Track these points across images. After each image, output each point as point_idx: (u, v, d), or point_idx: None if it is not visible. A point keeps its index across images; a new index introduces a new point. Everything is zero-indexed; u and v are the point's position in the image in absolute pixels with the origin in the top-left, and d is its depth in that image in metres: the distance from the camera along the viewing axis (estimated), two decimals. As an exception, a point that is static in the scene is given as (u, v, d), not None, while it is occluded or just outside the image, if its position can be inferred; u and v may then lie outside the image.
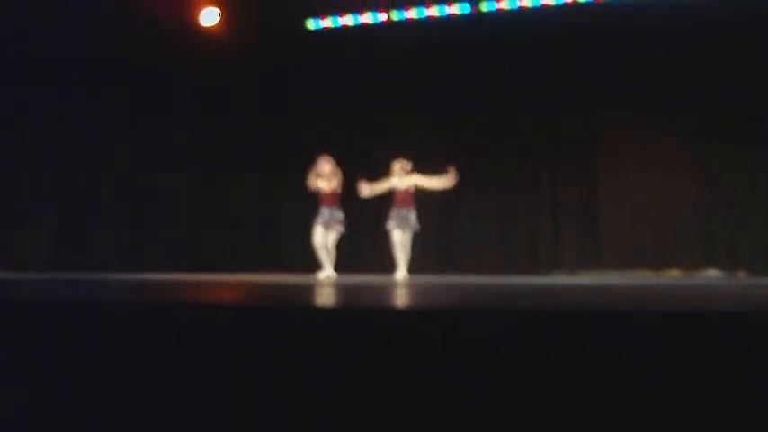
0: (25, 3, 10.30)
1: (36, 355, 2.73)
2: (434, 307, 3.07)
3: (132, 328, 2.67)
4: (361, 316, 2.58)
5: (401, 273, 9.13)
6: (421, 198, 9.34)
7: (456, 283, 6.89)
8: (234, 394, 2.45)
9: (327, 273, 9.19)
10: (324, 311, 2.81)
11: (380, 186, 9.32)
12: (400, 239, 9.12)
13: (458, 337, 2.28)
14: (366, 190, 9.38)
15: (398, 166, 9.20)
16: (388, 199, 9.39)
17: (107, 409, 2.60)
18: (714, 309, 2.81)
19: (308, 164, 9.63)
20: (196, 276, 8.56)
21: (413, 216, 9.11)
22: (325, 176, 9.25)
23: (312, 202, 9.41)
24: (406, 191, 9.16)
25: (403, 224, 9.10)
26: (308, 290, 4.81)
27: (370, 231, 10.62)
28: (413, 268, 9.26)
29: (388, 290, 4.91)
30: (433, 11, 11.73)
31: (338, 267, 9.40)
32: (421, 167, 9.36)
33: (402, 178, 9.18)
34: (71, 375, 2.66)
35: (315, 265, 9.38)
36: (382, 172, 9.52)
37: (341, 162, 9.46)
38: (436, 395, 2.25)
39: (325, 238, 9.21)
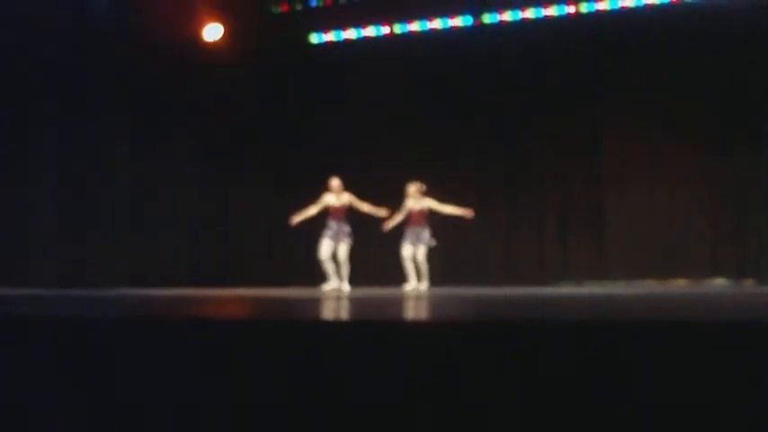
0: (33, 12, 10.31)
1: (38, 371, 2.71)
2: (443, 319, 3.07)
3: (140, 344, 2.67)
4: (367, 329, 2.58)
5: (414, 284, 9.48)
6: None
7: (463, 294, 6.85)
8: (239, 406, 2.44)
9: (333, 285, 9.45)
10: (330, 325, 2.84)
11: (398, 217, 9.66)
12: (411, 255, 9.52)
13: (464, 348, 2.28)
14: (389, 224, 9.71)
15: (414, 188, 9.58)
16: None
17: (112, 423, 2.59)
18: (721, 318, 2.81)
19: (311, 178, 9.84)
20: (199, 291, 8.54)
21: (426, 234, 9.54)
22: (333, 191, 9.62)
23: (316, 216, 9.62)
24: (421, 211, 9.58)
25: (416, 241, 9.52)
26: (314, 303, 4.79)
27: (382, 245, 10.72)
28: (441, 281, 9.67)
29: (397, 302, 4.88)
30: (436, 23, 11.73)
31: (355, 280, 9.66)
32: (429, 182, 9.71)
33: (417, 200, 9.56)
34: (73, 391, 2.65)
35: (318, 279, 9.53)
36: (385, 185, 9.79)
37: (347, 176, 9.75)
38: (442, 406, 2.23)
39: (331, 250, 9.54)
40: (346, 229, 9.59)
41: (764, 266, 10.33)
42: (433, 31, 11.76)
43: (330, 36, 12.23)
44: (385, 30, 11.95)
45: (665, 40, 10.76)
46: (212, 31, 11.68)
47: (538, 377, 2.19)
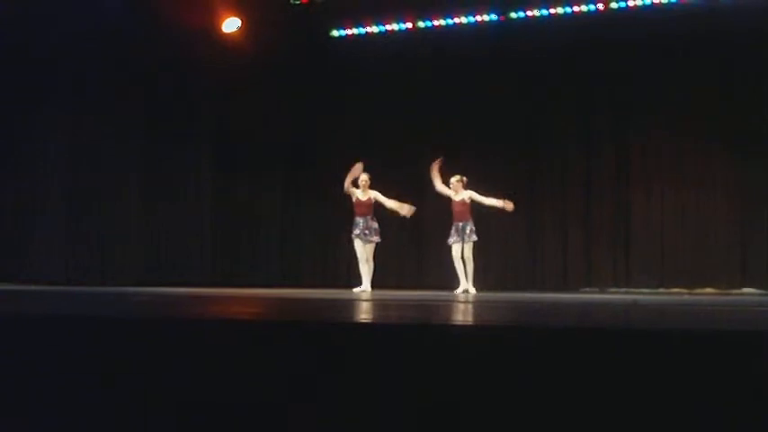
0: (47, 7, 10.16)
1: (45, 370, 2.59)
2: (462, 323, 3.05)
3: (149, 343, 2.59)
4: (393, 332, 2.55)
5: (466, 286, 9.28)
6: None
7: (487, 299, 6.69)
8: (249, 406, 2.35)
9: (364, 287, 9.24)
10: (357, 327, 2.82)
11: (439, 186, 9.49)
12: (459, 253, 9.36)
13: (486, 353, 2.24)
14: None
15: (455, 180, 9.47)
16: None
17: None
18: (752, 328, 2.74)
19: (327, 173, 9.60)
20: (216, 290, 8.34)
21: (469, 228, 9.38)
22: (361, 185, 9.37)
23: (330, 213, 9.45)
24: (462, 203, 9.42)
25: (462, 236, 9.37)
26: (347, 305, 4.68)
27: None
28: (447, 284, 9.44)
29: (420, 306, 4.69)
30: (461, 19, 11.43)
31: (383, 281, 9.58)
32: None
33: (458, 192, 9.43)
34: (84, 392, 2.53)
35: (333, 279, 9.53)
36: (403, 184, 9.79)
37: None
38: (457, 409, 2.17)
39: (365, 250, 9.35)
40: (374, 225, 9.40)
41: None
42: (456, 25, 11.46)
43: (351, 30, 11.95)
44: (407, 24, 11.66)
45: (695, 39, 10.49)
46: (230, 23, 11.37)
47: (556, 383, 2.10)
